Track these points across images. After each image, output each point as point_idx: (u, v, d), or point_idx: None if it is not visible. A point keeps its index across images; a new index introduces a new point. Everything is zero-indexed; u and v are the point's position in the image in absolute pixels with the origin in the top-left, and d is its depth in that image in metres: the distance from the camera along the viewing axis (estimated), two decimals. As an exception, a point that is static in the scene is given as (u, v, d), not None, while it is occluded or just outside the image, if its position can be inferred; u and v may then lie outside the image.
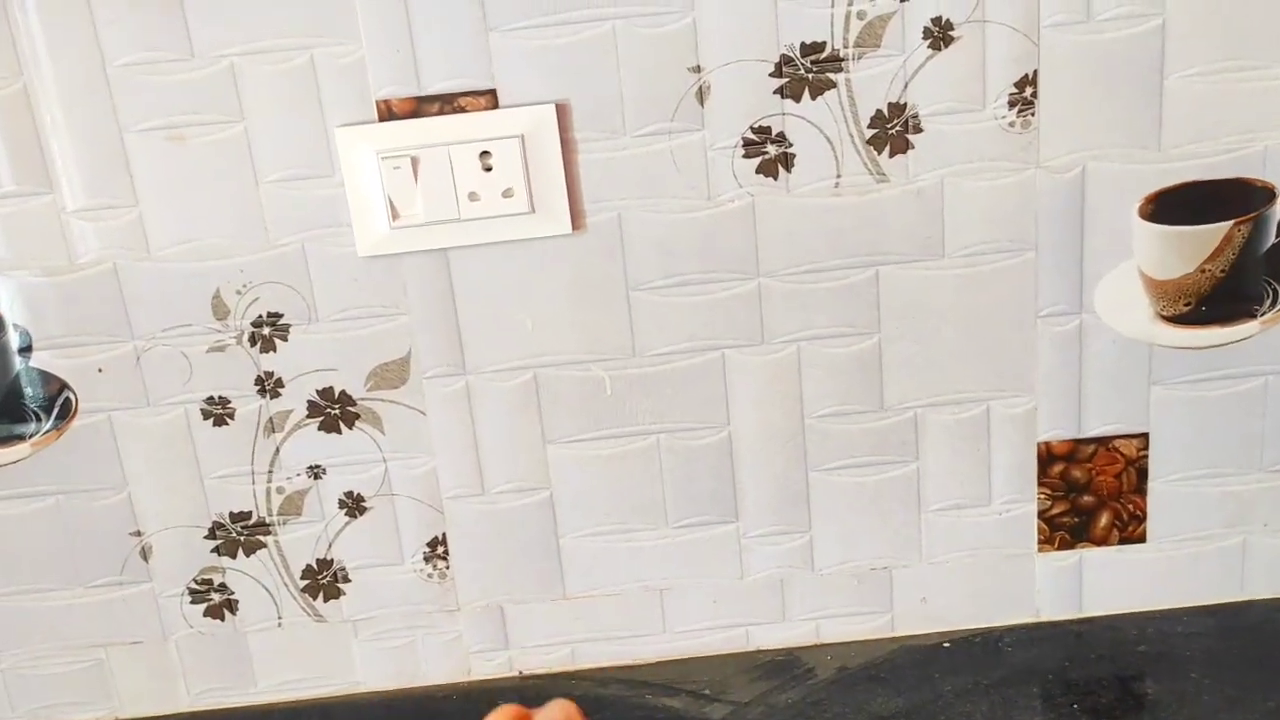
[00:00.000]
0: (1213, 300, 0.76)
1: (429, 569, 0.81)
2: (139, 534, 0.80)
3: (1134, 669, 0.79)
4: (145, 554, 0.80)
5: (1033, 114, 0.72)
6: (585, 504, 0.80)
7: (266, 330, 0.75)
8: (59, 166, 0.71)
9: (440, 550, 0.81)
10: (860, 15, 0.70)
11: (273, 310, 0.75)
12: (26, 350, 0.75)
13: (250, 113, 0.71)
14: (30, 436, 0.77)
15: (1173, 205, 0.74)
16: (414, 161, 0.71)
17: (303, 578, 0.81)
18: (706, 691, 0.80)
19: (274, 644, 0.83)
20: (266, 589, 0.81)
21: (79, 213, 0.73)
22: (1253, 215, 0.74)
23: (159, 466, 0.78)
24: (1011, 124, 0.72)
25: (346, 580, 0.81)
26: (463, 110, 0.71)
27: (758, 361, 0.77)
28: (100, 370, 0.76)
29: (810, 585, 0.82)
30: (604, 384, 0.77)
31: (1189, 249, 0.75)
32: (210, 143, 0.71)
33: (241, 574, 0.81)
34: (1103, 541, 0.82)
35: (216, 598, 0.81)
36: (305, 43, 0.69)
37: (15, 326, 0.75)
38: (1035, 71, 0.71)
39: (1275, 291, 0.76)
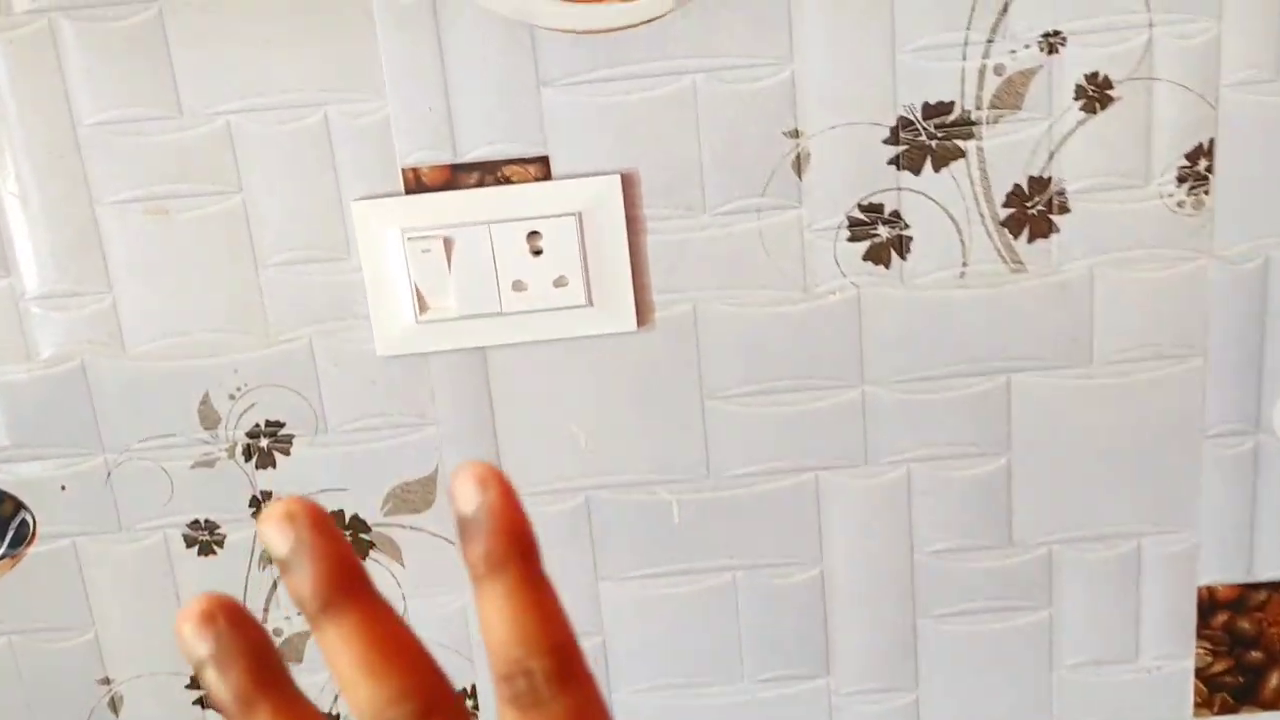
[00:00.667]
0: None
1: (455, 727, 0.68)
2: (108, 681, 0.66)
3: None
4: (115, 705, 0.67)
5: (1206, 192, 0.58)
6: (646, 653, 0.66)
7: (264, 442, 0.62)
8: (17, 244, 0.59)
9: (470, 704, 0.67)
10: (998, 70, 0.57)
11: (272, 418, 0.62)
12: (-24, 463, 0.63)
13: (249, 182, 0.58)
14: (-21, 565, 0.64)
15: (1377, 304, 0.60)
16: (447, 243, 0.58)
17: (303, 735, 0.68)
18: None
19: (267, 813, 0.69)
20: (259, 748, 0.68)
21: (41, 299, 0.60)
22: None
23: (132, 603, 0.65)
24: (1180, 203, 0.59)
25: (355, 739, 0.68)
26: (507, 181, 0.58)
27: (859, 486, 0.63)
28: (64, 488, 0.63)
29: (915, 753, 0.68)
30: (671, 510, 0.64)
31: (1394, 357, 0.61)
32: (200, 217, 0.59)
33: (229, 730, 0.67)
34: (1272, 705, 0.68)
35: (199, 758, 0.68)
36: (318, 98, 0.57)
37: (-37, 434, 0.62)
38: (1212, 140, 0.58)
39: None
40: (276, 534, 0.25)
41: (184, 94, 0.57)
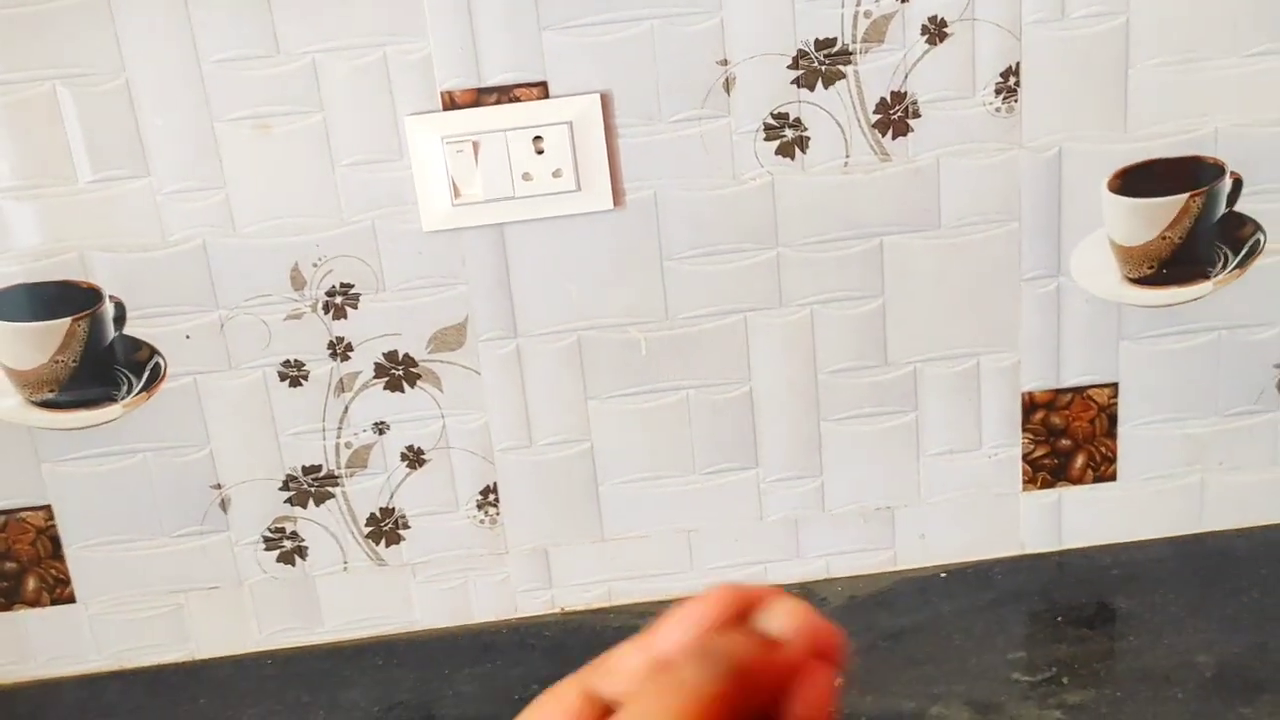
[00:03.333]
0: (1172, 264, 0.86)
1: (481, 515, 0.90)
2: (219, 487, 0.88)
3: (1108, 588, 0.89)
4: (224, 505, 0.88)
5: (1016, 100, 0.82)
6: (622, 454, 0.89)
7: (339, 299, 0.84)
8: (155, 153, 0.80)
9: (491, 498, 0.90)
10: (867, 14, 0.80)
11: (344, 281, 0.83)
12: (121, 320, 0.83)
13: (328, 104, 0.79)
14: (122, 399, 0.85)
15: (1137, 180, 0.84)
16: (474, 145, 0.80)
17: (367, 525, 0.90)
18: (733, 619, 0.90)
19: (340, 587, 0.91)
20: (334, 536, 0.90)
21: (172, 194, 0.81)
22: (1205, 188, 0.85)
23: (239, 425, 0.86)
24: (998, 109, 0.82)
25: (406, 527, 0.90)
26: (518, 100, 0.80)
27: (776, 323, 0.86)
28: (188, 337, 0.84)
29: (822, 525, 0.92)
30: (640, 345, 0.86)
31: (1152, 218, 0.85)
32: (292, 131, 0.80)
33: (311, 522, 0.89)
34: (1079, 481, 0.92)
35: (288, 545, 0.90)
36: (379, 41, 0.78)
37: (111, 298, 0.83)
38: (1018, 63, 0.81)
39: (1226, 256, 0.87)
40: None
41: (281, 38, 0.78)
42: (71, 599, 0.90)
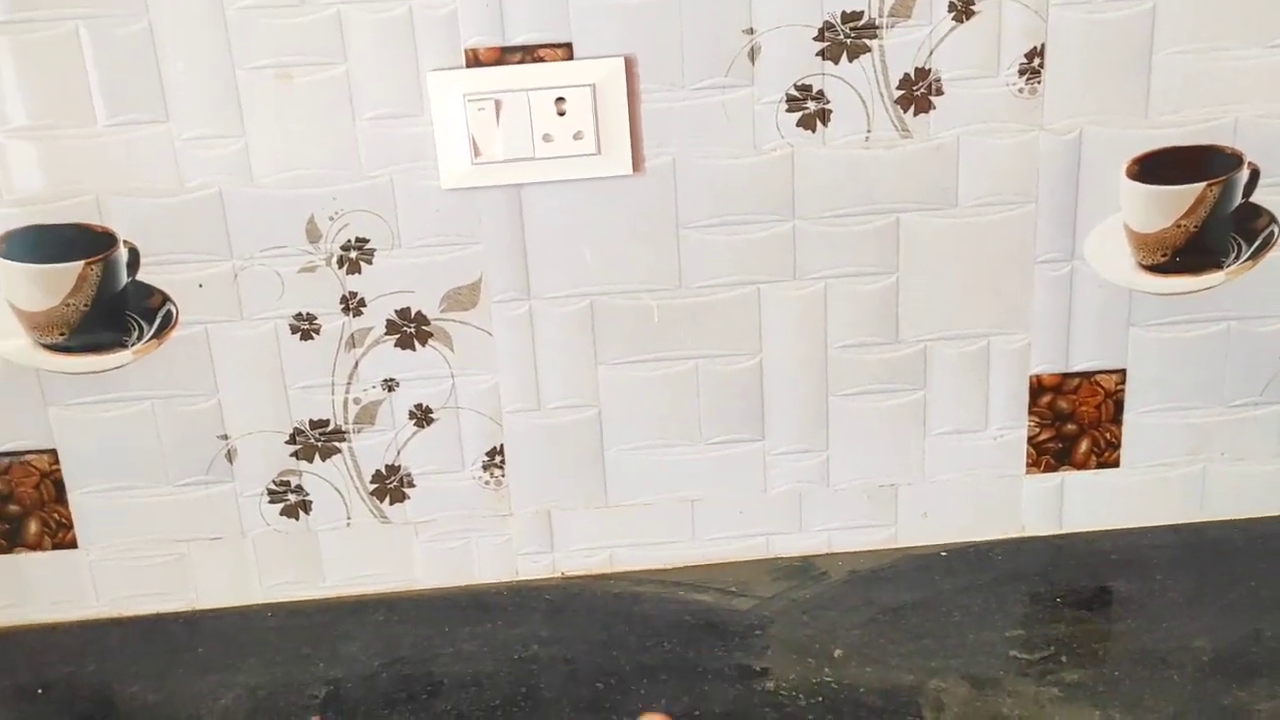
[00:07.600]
0: (1186, 252, 0.87)
1: (486, 477, 0.90)
2: (226, 437, 0.88)
3: (1107, 573, 0.90)
4: (230, 456, 0.88)
5: (1039, 82, 0.82)
6: (629, 421, 0.89)
7: (353, 254, 0.84)
8: (174, 98, 0.79)
9: (498, 460, 0.90)
10: (895, -11, 0.79)
11: (360, 235, 0.83)
12: (134, 265, 0.83)
13: (352, 56, 0.79)
14: (132, 345, 0.85)
15: (1155, 167, 0.84)
16: (496, 104, 0.80)
17: (372, 482, 0.90)
18: (733, 589, 0.90)
19: (342, 542, 0.91)
20: (339, 491, 0.90)
21: (190, 141, 0.80)
22: (1222, 178, 0.85)
23: (248, 376, 0.86)
24: (1020, 90, 0.82)
25: (411, 485, 0.90)
26: (541, 60, 0.80)
27: (790, 296, 0.87)
28: (201, 286, 0.84)
29: (825, 499, 0.92)
30: (652, 312, 0.87)
31: (1168, 206, 0.86)
32: (314, 82, 0.79)
33: (317, 477, 0.89)
34: (1082, 465, 0.93)
35: (293, 498, 0.90)
36: (405, -6, 0.78)
37: (125, 243, 0.82)
38: (1043, 45, 0.81)
39: (1240, 246, 0.87)
40: None
41: (307, -12, 0.78)
42: (74, 544, 0.90)
